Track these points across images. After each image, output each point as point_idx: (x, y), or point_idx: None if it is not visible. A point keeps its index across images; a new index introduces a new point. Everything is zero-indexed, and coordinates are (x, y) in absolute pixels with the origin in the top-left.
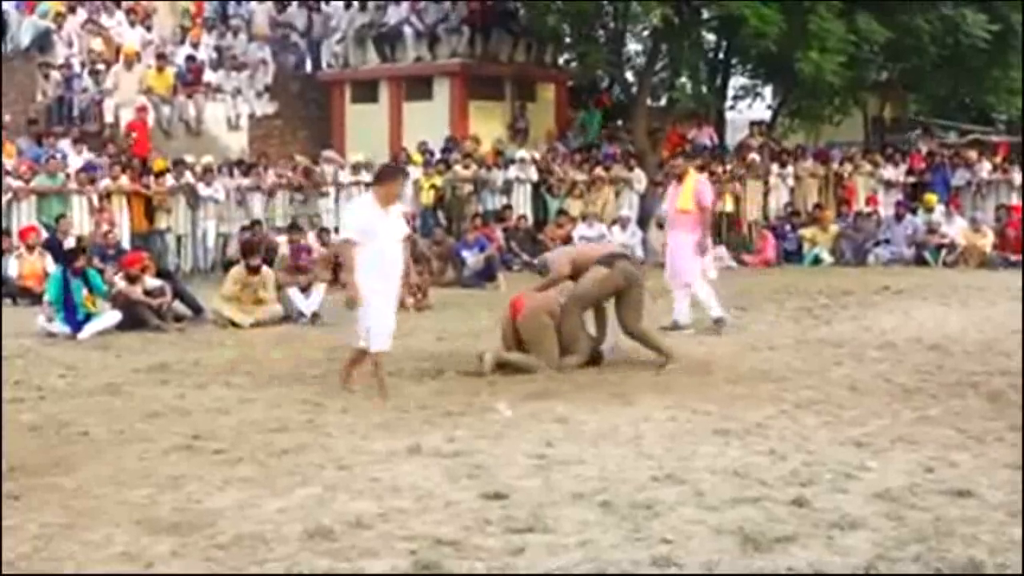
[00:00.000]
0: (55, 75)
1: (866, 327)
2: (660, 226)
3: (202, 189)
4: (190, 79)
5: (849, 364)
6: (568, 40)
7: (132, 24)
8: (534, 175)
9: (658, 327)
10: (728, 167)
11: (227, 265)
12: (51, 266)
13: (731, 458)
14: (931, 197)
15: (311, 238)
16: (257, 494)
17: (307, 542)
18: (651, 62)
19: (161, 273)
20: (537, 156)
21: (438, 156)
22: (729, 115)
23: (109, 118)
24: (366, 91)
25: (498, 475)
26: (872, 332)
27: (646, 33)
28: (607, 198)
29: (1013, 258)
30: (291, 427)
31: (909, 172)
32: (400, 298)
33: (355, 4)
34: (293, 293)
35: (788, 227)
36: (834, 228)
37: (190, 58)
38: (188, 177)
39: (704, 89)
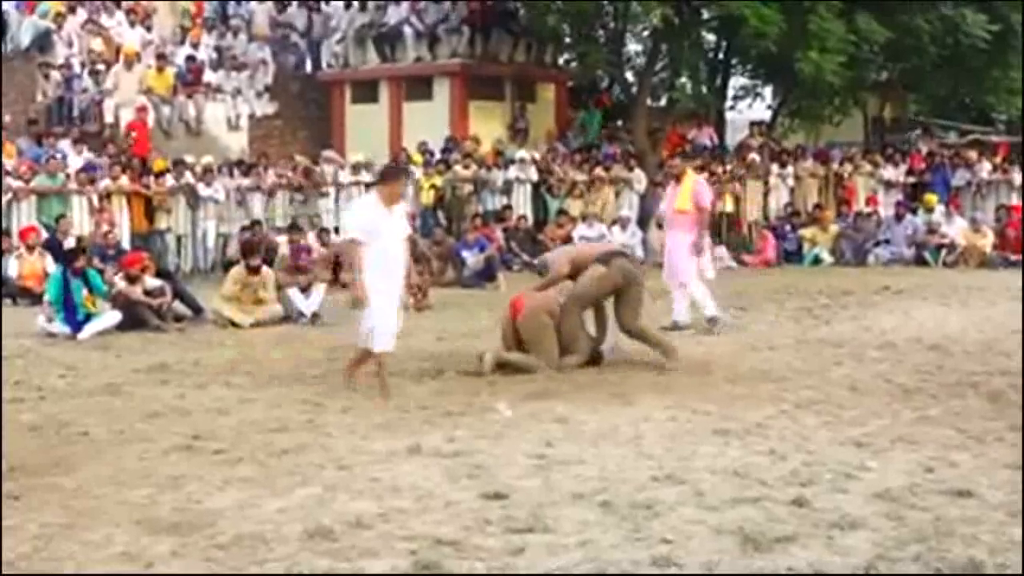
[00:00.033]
0: (55, 75)
1: (866, 327)
2: (660, 226)
3: (202, 189)
4: (190, 79)
5: (849, 364)
6: (568, 40)
7: (132, 24)
8: (534, 175)
9: (658, 327)
10: (728, 167)
11: (227, 265)
12: (51, 266)
13: (731, 458)
14: (931, 197)
15: (311, 238)
16: (257, 494)
17: (307, 542)
18: (651, 62)
19: (161, 273)
20: (537, 156)
21: (438, 156)
22: (729, 115)
23: (109, 118)
24: (366, 91)
25: (498, 475)
26: (872, 332)
27: (646, 33)
28: (607, 198)
29: (1013, 258)
30: (291, 427)
31: (909, 172)
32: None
33: (355, 4)
34: (293, 293)
35: (788, 227)
36: (834, 228)
37: (190, 58)
38: (188, 177)
39: (704, 89)
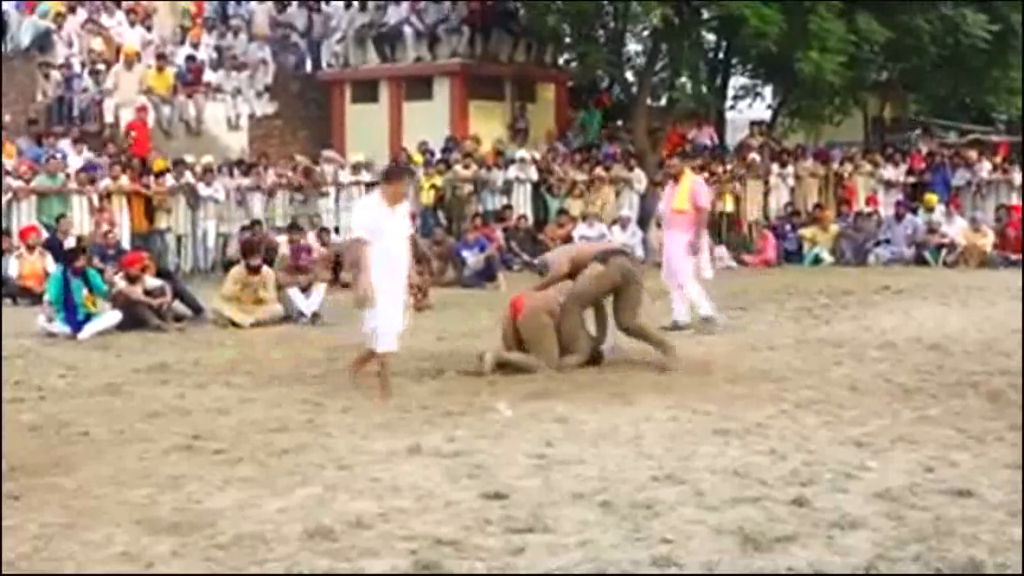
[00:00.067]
0: (55, 75)
1: (866, 327)
2: (660, 226)
3: (202, 189)
4: (190, 79)
5: (849, 364)
6: (568, 40)
7: (132, 24)
8: (534, 175)
9: (658, 327)
10: (728, 167)
11: (227, 265)
12: (51, 266)
13: (731, 458)
14: (931, 197)
15: (311, 238)
16: (257, 494)
17: (307, 542)
18: (651, 62)
19: (161, 273)
20: (537, 156)
21: (438, 156)
22: (729, 115)
23: (109, 118)
24: (366, 91)
25: (498, 475)
26: (872, 332)
27: (646, 33)
28: (607, 198)
29: (1013, 258)
30: (291, 427)
31: (909, 172)
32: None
33: (355, 4)
34: (293, 293)
35: (788, 227)
36: (834, 228)
37: (190, 58)
38: (188, 177)
39: (704, 89)
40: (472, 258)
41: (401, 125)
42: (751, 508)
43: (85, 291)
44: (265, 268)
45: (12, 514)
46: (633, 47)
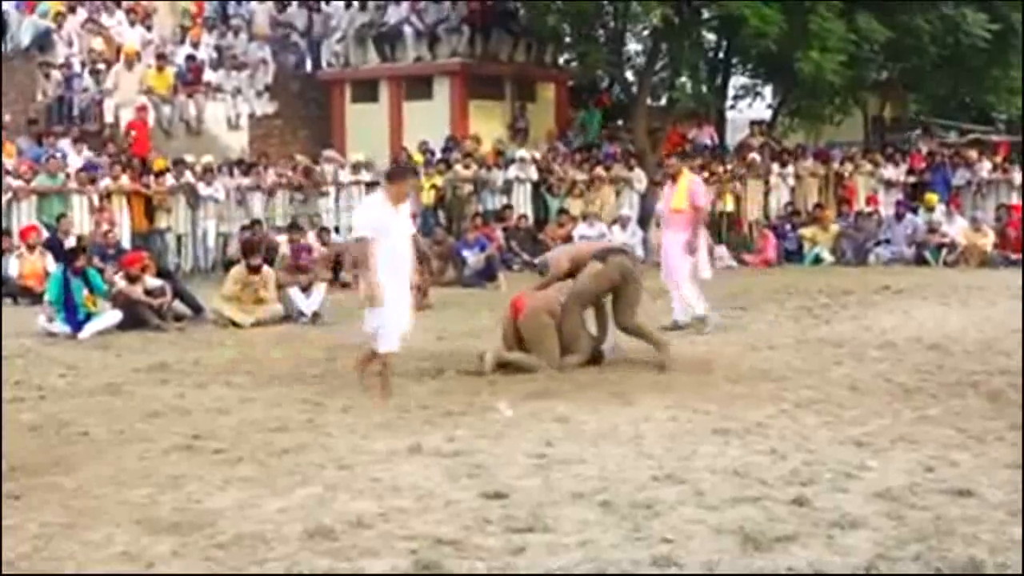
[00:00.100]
0: (55, 75)
1: (866, 327)
2: (660, 225)
3: (202, 189)
4: (190, 79)
5: (849, 364)
6: (568, 40)
7: (132, 24)
8: (534, 175)
9: (658, 327)
10: (729, 167)
11: (227, 265)
12: (51, 266)
13: (731, 458)
14: (931, 197)
15: (311, 237)
16: (257, 494)
17: (307, 542)
18: (651, 62)
19: (161, 273)
20: (537, 156)
21: (438, 156)
22: (729, 115)
23: (109, 118)
24: (366, 91)
25: (498, 475)
26: (872, 332)
27: (646, 33)
28: (606, 198)
29: (1013, 257)
30: (291, 427)
31: (909, 172)
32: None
33: (355, 4)
34: (294, 293)
35: (789, 227)
36: (835, 228)
37: (190, 58)
38: (188, 177)
39: (704, 89)
40: (472, 258)
41: (401, 125)
42: (751, 508)
43: (85, 291)
44: (265, 268)
45: (12, 514)
46: (633, 47)
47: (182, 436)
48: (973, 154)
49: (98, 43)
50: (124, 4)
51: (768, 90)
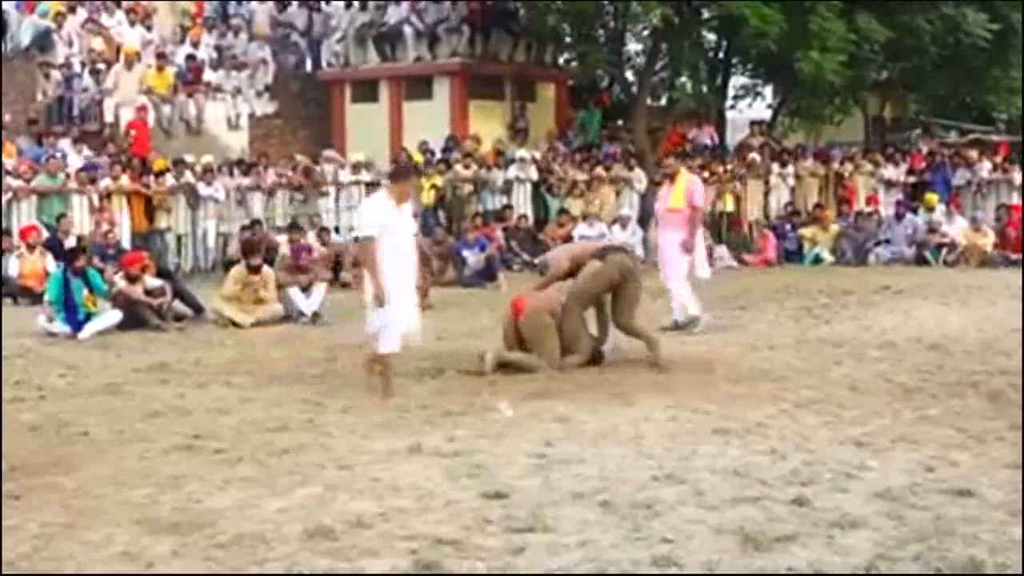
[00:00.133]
0: (55, 75)
1: (866, 327)
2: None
3: (202, 189)
4: (190, 79)
5: (849, 364)
6: (568, 40)
7: (132, 24)
8: (534, 175)
9: (658, 327)
10: (729, 166)
11: (227, 265)
12: (51, 265)
13: (731, 458)
14: (932, 197)
15: (311, 237)
16: (257, 494)
17: (307, 542)
18: (651, 62)
19: (161, 273)
20: (537, 156)
21: (438, 156)
22: (729, 114)
23: (109, 118)
24: (366, 91)
25: (498, 475)
26: (872, 332)
27: (646, 33)
28: (605, 198)
29: (1013, 257)
30: (291, 427)
31: (909, 172)
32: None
33: (355, 4)
34: (294, 293)
35: (789, 226)
36: (835, 227)
37: (190, 57)
38: (188, 177)
39: (704, 89)
40: (472, 258)
41: (401, 125)
42: (751, 508)
43: (85, 291)
44: (265, 268)
45: (12, 514)
46: (633, 47)
47: (182, 436)
48: (973, 154)
49: (98, 43)
50: (124, 4)
51: (768, 90)
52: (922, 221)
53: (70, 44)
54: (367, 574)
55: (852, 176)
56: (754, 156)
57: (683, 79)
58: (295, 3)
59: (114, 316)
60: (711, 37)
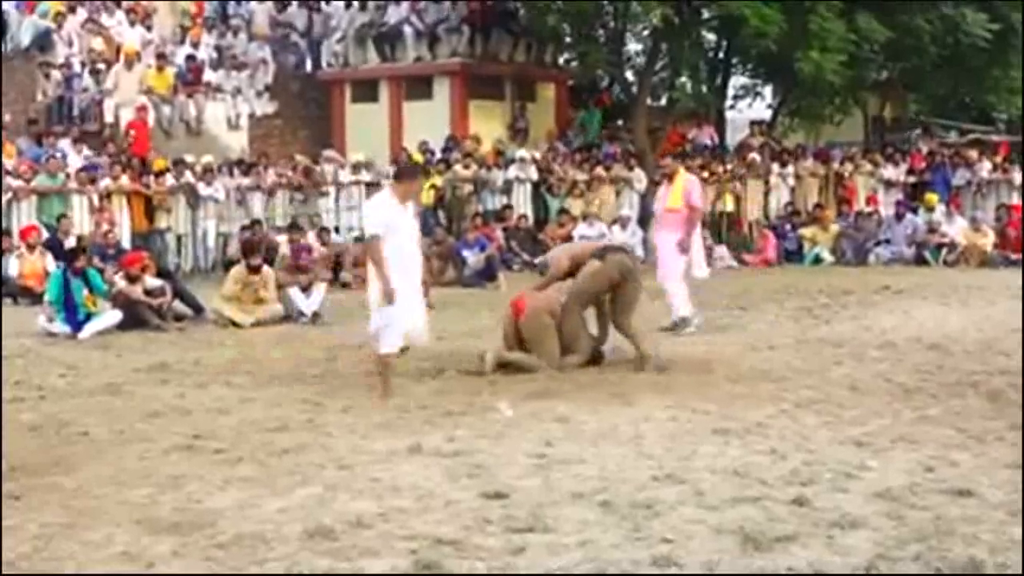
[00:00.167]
0: (55, 75)
1: (866, 327)
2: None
3: (202, 189)
4: (190, 79)
5: (849, 364)
6: (568, 40)
7: (132, 24)
8: (534, 175)
9: (658, 327)
10: (729, 166)
11: (227, 265)
12: (51, 266)
13: (731, 458)
14: (931, 197)
15: (311, 237)
16: (257, 494)
17: (307, 542)
18: (651, 62)
19: (161, 273)
20: (537, 156)
21: (438, 156)
22: (729, 115)
23: (109, 118)
24: (366, 91)
25: (498, 475)
26: (872, 332)
27: (646, 33)
28: (604, 198)
29: (1013, 257)
30: (291, 427)
31: (909, 172)
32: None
33: (355, 4)
34: (294, 293)
35: (789, 226)
36: (835, 228)
37: (190, 58)
38: (188, 177)
39: (704, 89)
40: (472, 258)
41: (401, 125)
42: (751, 508)
43: (85, 291)
44: (265, 268)
45: (12, 514)
46: (633, 47)
47: (182, 436)
48: (973, 154)
49: (98, 43)
50: (124, 4)
51: (768, 90)
52: (922, 221)
53: (70, 44)
54: (367, 574)
55: (852, 176)
56: (754, 156)
57: (683, 79)
58: (295, 3)
59: (114, 316)
60: (711, 37)
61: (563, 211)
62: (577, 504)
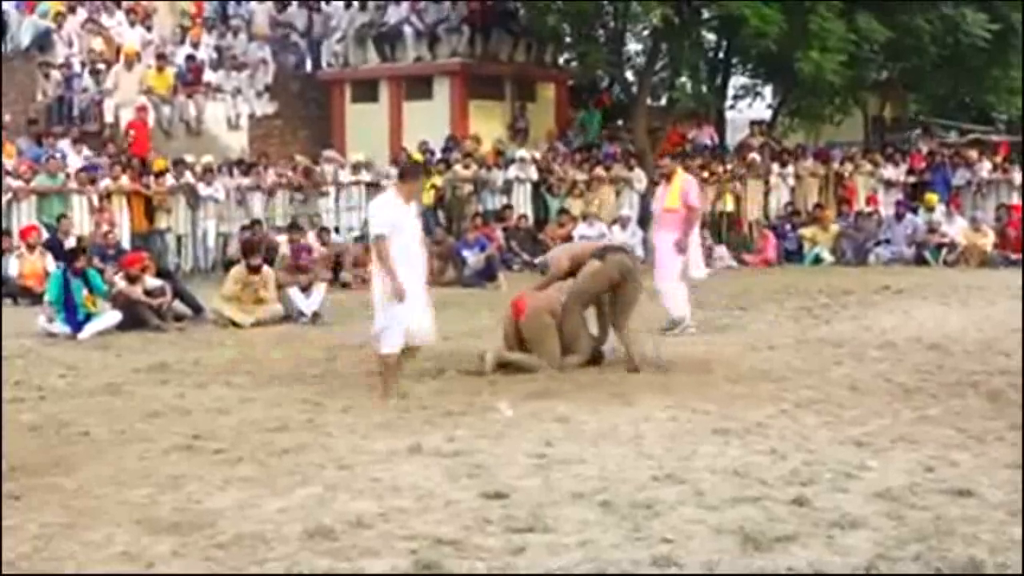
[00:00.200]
0: (55, 75)
1: (866, 327)
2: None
3: (202, 189)
4: (190, 79)
5: (849, 364)
6: (568, 40)
7: (132, 24)
8: (534, 175)
9: (658, 329)
10: (729, 166)
11: (227, 265)
12: (51, 266)
13: (731, 458)
14: (931, 197)
15: (311, 237)
16: (257, 494)
17: (307, 542)
18: (651, 62)
19: (161, 273)
20: (537, 156)
21: (438, 156)
22: (729, 115)
23: (109, 118)
24: (366, 91)
25: (498, 475)
26: (872, 332)
27: (646, 33)
28: (604, 198)
29: (1013, 257)
30: (291, 427)
31: (909, 172)
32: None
33: (355, 4)
34: (293, 293)
35: (789, 226)
36: (835, 228)
37: (190, 58)
38: (188, 177)
39: (704, 89)
40: (472, 258)
41: (401, 125)
42: (751, 508)
43: (85, 291)
44: (265, 268)
45: (12, 514)
46: (633, 47)
47: (182, 436)
48: (973, 154)
49: (98, 43)
50: (124, 4)
51: (768, 90)
52: (922, 221)
53: (70, 44)
54: (367, 574)
55: (852, 176)
56: (754, 156)
57: (683, 79)
58: (295, 3)
59: (114, 316)
60: (711, 37)
61: (563, 211)
62: (577, 504)
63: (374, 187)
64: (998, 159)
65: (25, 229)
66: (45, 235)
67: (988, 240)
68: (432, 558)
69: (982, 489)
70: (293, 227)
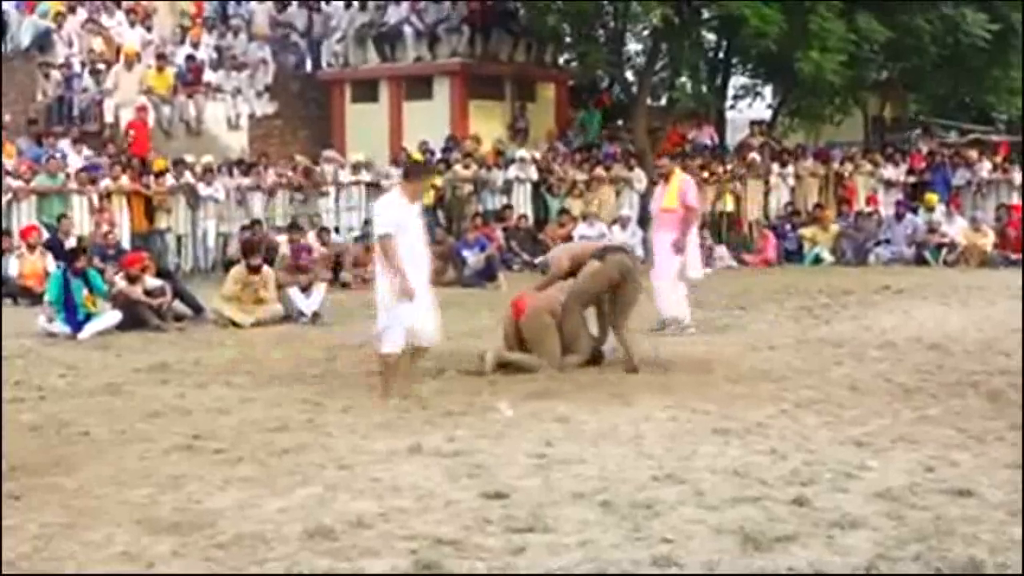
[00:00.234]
0: (55, 75)
1: (866, 327)
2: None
3: (202, 189)
4: (190, 79)
5: (849, 364)
6: (568, 40)
7: (132, 24)
8: (534, 175)
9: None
10: (729, 166)
11: (227, 265)
12: (52, 266)
13: (731, 458)
14: (931, 197)
15: (311, 237)
16: (257, 494)
17: (307, 542)
18: (651, 62)
19: (161, 273)
20: (537, 156)
21: (438, 156)
22: (729, 115)
23: (109, 118)
24: (366, 91)
25: (498, 475)
26: (872, 332)
27: (646, 33)
28: (604, 198)
29: (1013, 257)
30: (291, 427)
31: (909, 172)
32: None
33: (355, 4)
34: (294, 293)
35: (789, 226)
36: (835, 228)
37: (190, 58)
38: (188, 177)
39: (704, 89)
40: (472, 258)
41: (401, 125)
42: (751, 508)
43: (85, 291)
44: (265, 268)
45: (12, 514)
46: (633, 47)
47: (182, 436)
48: (973, 154)
49: (98, 43)
50: (124, 4)
51: (768, 90)
52: (922, 221)
53: (70, 44)
54: (367, 574)
55: (852, 176)
56: (754, 156)
57: (683, 79)
58: (295, 3)
59: (114, 316)
60: (711, 37)
61: (563, 211)
62: (577, 504)
63: (374, 187)
64: (998, 159)
65: (25, 229)
66: (45, 235)
67: (988, 240)
68: (432, 558)
69: (982, 489)
70: (293, 227)
